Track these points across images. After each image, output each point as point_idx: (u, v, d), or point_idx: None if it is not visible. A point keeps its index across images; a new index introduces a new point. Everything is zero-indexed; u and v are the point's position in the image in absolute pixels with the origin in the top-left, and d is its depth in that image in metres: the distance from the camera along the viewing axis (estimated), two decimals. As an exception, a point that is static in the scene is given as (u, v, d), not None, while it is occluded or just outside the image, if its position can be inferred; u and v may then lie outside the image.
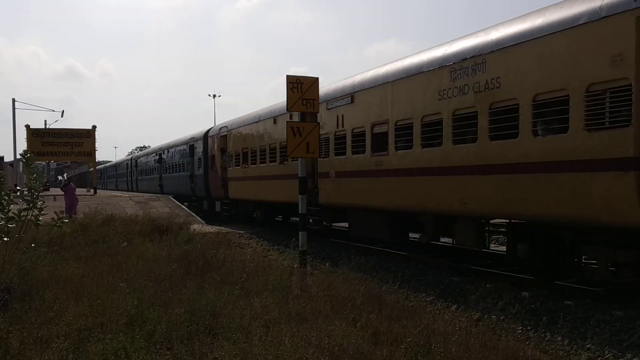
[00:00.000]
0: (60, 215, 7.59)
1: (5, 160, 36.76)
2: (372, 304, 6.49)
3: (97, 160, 34.53)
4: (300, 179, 8.76)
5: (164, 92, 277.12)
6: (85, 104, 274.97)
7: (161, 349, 4.91)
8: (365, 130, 11.91)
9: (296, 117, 12.02)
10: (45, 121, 48.41)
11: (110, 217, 14.70)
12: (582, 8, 7.29)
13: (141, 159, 38.88)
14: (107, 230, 12.42)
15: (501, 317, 7.20)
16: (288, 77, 8.49)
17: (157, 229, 13.11)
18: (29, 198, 7.09)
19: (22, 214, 6.99)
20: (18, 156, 37.49)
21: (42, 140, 29.28)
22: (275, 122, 16.52)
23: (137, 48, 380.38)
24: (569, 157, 7.36)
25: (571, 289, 8.02)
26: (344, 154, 12.74)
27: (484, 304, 7.44)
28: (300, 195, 8.66)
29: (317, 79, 8.66)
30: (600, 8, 7.01)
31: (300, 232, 8.60)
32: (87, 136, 30.25)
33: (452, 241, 10.90)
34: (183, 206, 23.58)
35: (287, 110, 8.87)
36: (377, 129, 11.54)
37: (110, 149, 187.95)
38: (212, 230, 16.10)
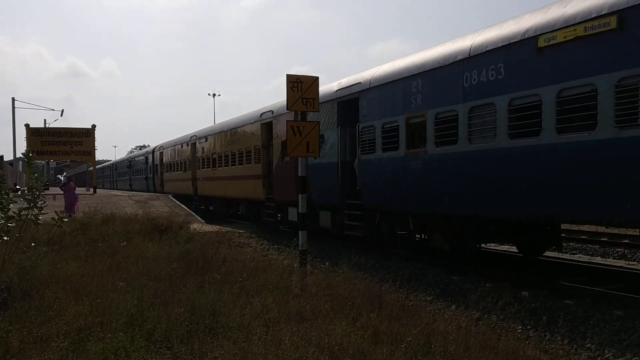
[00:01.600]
0: (60, 215, 7.60)
1: (5, 159, 36.75)
2: (372, 303, 6.49)
3: (96, 159, 34.49)
4: (300, 179, 8.76)
5: (166, 92, 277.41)
6: (86, 103, 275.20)
7: (161, 348, 4.91)
8: (215, 156, 22.58)
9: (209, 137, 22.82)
10: (45, 120, 48.44)
11: (110, 217, 14.70)
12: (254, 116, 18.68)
13: (119, 164, 52.98)
14: (107, 229, 12.42)
15: (501, 317, 7.20)
16: (288, 76, 8.49)
17: (156, 228, 13.10)
18: (30, 197, 7.09)
19: (22, 213, 6.99)
20: (18, 155, 37.51)
21: (42, 139, 29.26)
22: (217, 138, 22.69)
23: (140, 47, 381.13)
24: (242, 174, 19.24)
25: (571, 289, 8.02)
26: (205, 168, 23.99)
27: (483, 303, 7.44)
28: (300, 195, 8.66)
29: (317, 78, 8.66)
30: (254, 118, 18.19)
31: (300, 232, 8.60)
32: (87, 135, 30.24)
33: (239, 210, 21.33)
34: (183, 205, 23.59)
35: (287, 109, 8.88)
36: (214, 156, 22.64)
37: (110, 148, 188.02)
38: (211, 230, 16.10)
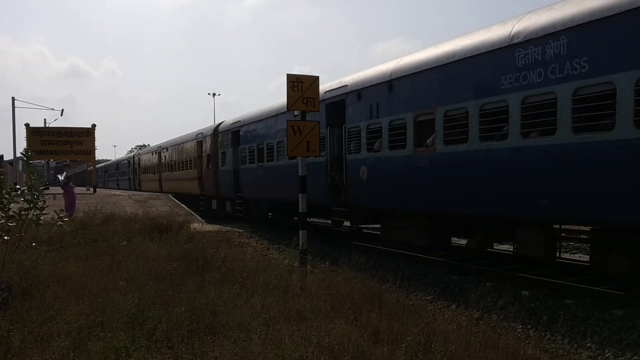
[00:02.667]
0: (61, 215, 7.60)
1: (5, 158, 36.72)
2: (372, 302, 6.50)
3: (96, 159, 34.51)
4: (300, 178, 8.76)
5: (167, 91, 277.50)
6: (87, 103, 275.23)
7: (162, 347, 4.92)
8: (172, 163, 29.96)
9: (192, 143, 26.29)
10: (45, 120, 48.40)
11: (110, 216, 14.70)
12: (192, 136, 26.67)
13: (109, 166, 61.75)
14: (107, 229, 12.41)
15: (501, 316, 7.21)
16: (288, 75, 8.49)
17: (156, 228, 13.10)
18: (30, 197, 7.09)
19: (22, 213, 7.00)
20: (18, 155, 37.49)
21: (42, 139, 29.29)
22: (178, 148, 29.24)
23: (142, 47, 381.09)
24: (188, 176, 26.60)
25: (571, 288, 8.03)
26: (167, 171, 31.35)
27: (483, 302, 7.44)
28: (300, 194, 8.66)
29: (317, 78, 8.67)
30: (192, 137, 26.21)
31: (300, 231, 8.60)
32: (87, 135, 30.27)
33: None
34: (183, 205, 23.59)
35: (287, 109, 8.88)
36: (172, 162, 30.00)
37: (110, 148, 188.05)
38: (212, 229, 16.11)
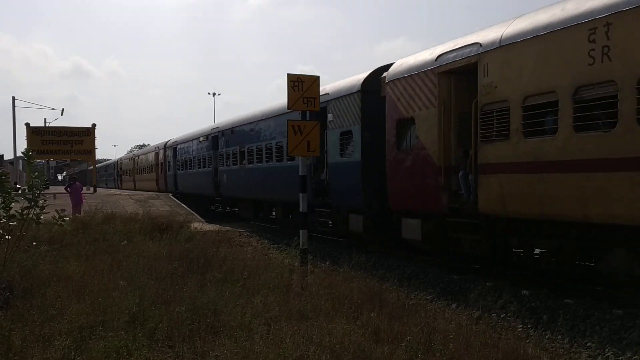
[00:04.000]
0: (62, 214, 7.61)
1: (5, 158, 36.74)
2: (372, 302, 6.51)
3: (96, 158, 34.55)
4: (300, 178, 8.77)
5: (169, 91, 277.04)
6: (89, 103, 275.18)
7: (163, 346, 4.93)
8: (141, 167, 39.53)
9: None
10: (45, 119, 48.36)
11: (111, 216, 14.71)
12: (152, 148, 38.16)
13: (100, 168, 64.45)
14: (108, 228, 12.42)
15: (501, 315, 7.22)
16: (289, 75, 8.50)
17: (157, 227, 13.11)
18: (31, 196, 7.11)
19: (23, 212, 7.01)
20: (18, 154, 37.48)
21: (42, 138, 29.32)
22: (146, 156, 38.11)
23: (145, 46, 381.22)
24: (151, 178, 35.32)
25: (571, 288, 8.04)
26: (139, 174, 41.04)
27: (484, 302, 7.45)
28: (300, 194, 8.68)
29: (317, 78, 8.68)
30: (152, 149, 37.36)
31: (301, 231, 8.62)
32: (87, 134, 30.30)
33: None
34: (183, 205, 23.61)
35: (288, 108, 8.89)
36: (141, 167, 39.53)
37: (110, 147, 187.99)
38: (212, 229, 16.12)
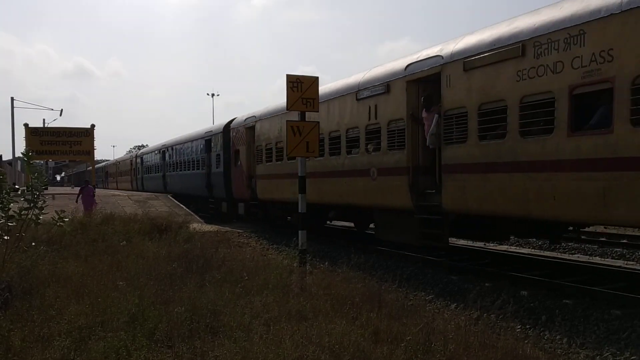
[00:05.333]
0: (61, 215, 7.61)
1: (4, 159, 36.70)
2: (371, 302, 6.52)
3: (95, 159, 34.49)
4: (300, 178, 8.78)
5: (171, 92, 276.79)
6: (90, 103, 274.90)
7: (162, 347, 4.93)
8: (122, 170, 48.56)
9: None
10: (44, 120, 48.38)
11: (110, 216, 14.70)
12: (128, 157, 50.23)
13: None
14: (107, 229, 12.42)
15: (500, 316, 7.22)
16: (288, 76, 8.52)
17: (156, 228, 13.11)
18: (30, 197, 7.10)
19: (22, 213, 7.00)
20: (17, 155, 37.44)
21: (41, 139, 29.23)
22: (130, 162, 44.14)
23: (148, 47, 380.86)
24: (128, 179, 44.55)
25: (570, 288, 8.06)
26: (120, 176, 49.73)
27: (482, 302, 7.45)
28: (300, 194, 8.69)
29: (316, 79, 8.69)
30: (128, 157, 48.65)
31: (299, 231, 8.63)
32: (86, 135, 30.21)
33: None
34: (182, 205, 23.61)
35: (287, 109, 8.91)
36: (122, 170, 48.77)
37: (109, 148, 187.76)
38: (211, 229, 16.11)
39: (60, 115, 47.79)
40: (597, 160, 6.97)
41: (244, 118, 18.97)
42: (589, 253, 12.89)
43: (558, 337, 6.57)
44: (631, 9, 6.56)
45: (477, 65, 8.73)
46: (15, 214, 6.99)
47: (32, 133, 29.21)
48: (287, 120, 8.76)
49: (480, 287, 8.28)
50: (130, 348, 4.69)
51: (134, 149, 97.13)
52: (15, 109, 35.90)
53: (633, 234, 14.58)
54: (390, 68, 11.28)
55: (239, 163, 19.09)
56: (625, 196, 6.69)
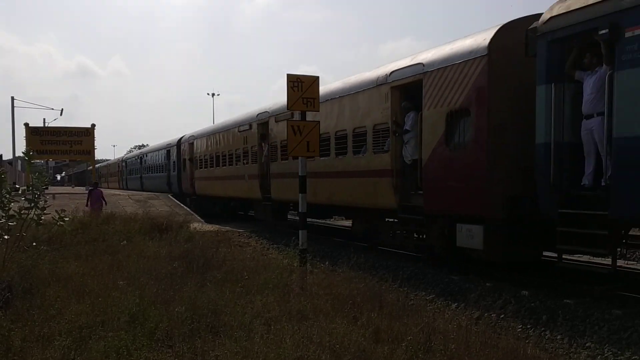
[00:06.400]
0: (61, 214, 7.61)
1: (4, 158, 36.68)
2: (372, 302, 6.51)
3: (96, 158, 34.53)
4: (300, 178, 8.77)
5: (173, 91, 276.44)
6: (91, 103, 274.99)
7: (163, 346, 4.92)
8: (113, 172, 54.60)
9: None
10: (44, 119, 48.37)
11: (110, 216, 14.71)
12: (115, 161, 57.73)
13: (88, 172, 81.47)
14: (107, 228, 12.42)
15: (501, 316, 7.22)
16: (288, 75, 8.51)
17: (156, 228, 13.11)
18: (30, 197, 7.10)
19: (22, 212, 7.00)
20: (17, 154, 37.42)
21: (41, 138, 29.31)
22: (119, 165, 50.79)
23: (152, 45, 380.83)
24: (115, 180, 51.81)
25: (570, 288, 8.05)
26: (111, 177, 55.85)
27: (483, 302, 7.45)
28: (300, 194, 8.68)
29: (317, 78, 8.68)
30: (117, 160, 56.75)
31: (300, 231, 8.62)
32: (86, 134, 30.29)
33: None
34: (183, 205, 23.61)
35: (287, 109, 8.90)
36: (111, 172, 56.73)
37: (109, 148, 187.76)
38: (211, 229, 16.12)
39: (61, 114, 48.09)
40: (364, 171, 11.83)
41: (188, 136, 26.08)
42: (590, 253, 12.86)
43: (559, 337, 6.56)
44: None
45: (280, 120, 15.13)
46: (15, 214, 6.98)
47: (32, 133, 29.27)
48: (287, 120, 8.78)
49: (481, 287, 8.28)
50: (130, 348, 4.69)
51: (134, 148, 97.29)
52: (15, 108, 35.82)
53: (633, 233, 14.53)
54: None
55: (186, 168, 25.81)
56: (369, 191, 11.58)
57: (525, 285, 8.47)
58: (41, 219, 7.13)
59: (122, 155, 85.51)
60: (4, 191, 7.23)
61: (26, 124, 29.39)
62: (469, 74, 8.86)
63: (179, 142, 27.44)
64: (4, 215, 7.02)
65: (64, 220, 7.52)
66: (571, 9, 7.31)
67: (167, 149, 29.93)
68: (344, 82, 13.16)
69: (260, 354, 4.57)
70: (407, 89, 10.73)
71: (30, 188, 7.28)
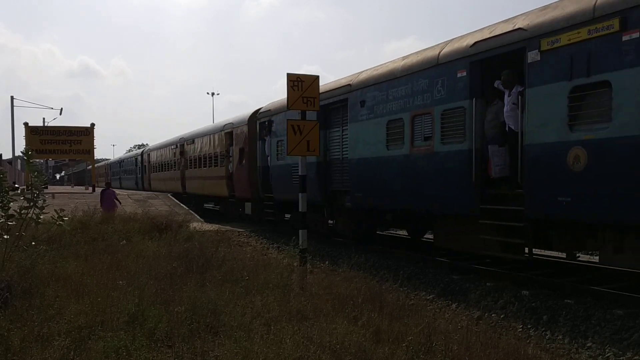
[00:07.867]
0: (60, 214, 7.57)
1: (4, 157, 36.68)
2: (372, 302, 6.49)
3: (95, 157, 34.48)
4: (300, 178, 8.75)
5: (175, 90, 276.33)
6: (93, 102, 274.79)
7: (162, 347, 4.90)
8: (110, 172, 55.56)
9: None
10: (44, 119, 48.34)
11: (110, 215, 14.68)
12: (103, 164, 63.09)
13: (85, 172, 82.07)
14: (106, 228, 12.39)
15: (501, 316, 7.21)
16: (288, 75, 8.49)
17: (156, 227, 13.08)
18: (30, 196, 7.07)
19: (22, 212, 6.97)
20: (17, 154, 37.41)
21: (41, 137, 29.25)
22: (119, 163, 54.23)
23: (154, 45, 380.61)
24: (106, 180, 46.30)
25: (571, 288, 8.03)
26: (107, 177, 53.26)
27: (484, 302, 7.45)
28: (300, 194, 8.66)
29: (317, 77, 8.67)
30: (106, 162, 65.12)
31: (300, 231, 8.60)
32: (86, 134, 30.23)
33: None
34: (182, 204, 23.60)
35: (288, 108, 8.89)
36: (106, 173, 57.69)
37: (109, 147, 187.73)
38: (211, 229, 16.10)
39: (60, 114, 48.03)
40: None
41: (147, 148, 38.02)
42: (590, 253, 12.85)
43: (560, 337, 6.54)
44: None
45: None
46: (15, 213, 6.95)
47: (32, 132, 29.22)
48: (287, 120, 8.74)
49: (481, 286, 8.27)
50: (130, 348, 4.66)
51: (134, 147, 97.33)
52: (15, 107, 35.81)
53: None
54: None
55: (146, 172, 36.87)
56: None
57: (526, 285, 8.45)
58: (40, 218, 7.10)
59: (122, 155, 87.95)
60: (3, 191, 7.20)
61: (25, 124, 29.34)
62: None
63: (142, 153, 39.63)
64: (3, 214, 6.99)
65: (63, 220, 7.49)
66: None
67: (135, 157, 42.65)
68: (203, 127, 23.12)
69: (260, 354, 4.55)
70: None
71: (30, 187, 7.25)
